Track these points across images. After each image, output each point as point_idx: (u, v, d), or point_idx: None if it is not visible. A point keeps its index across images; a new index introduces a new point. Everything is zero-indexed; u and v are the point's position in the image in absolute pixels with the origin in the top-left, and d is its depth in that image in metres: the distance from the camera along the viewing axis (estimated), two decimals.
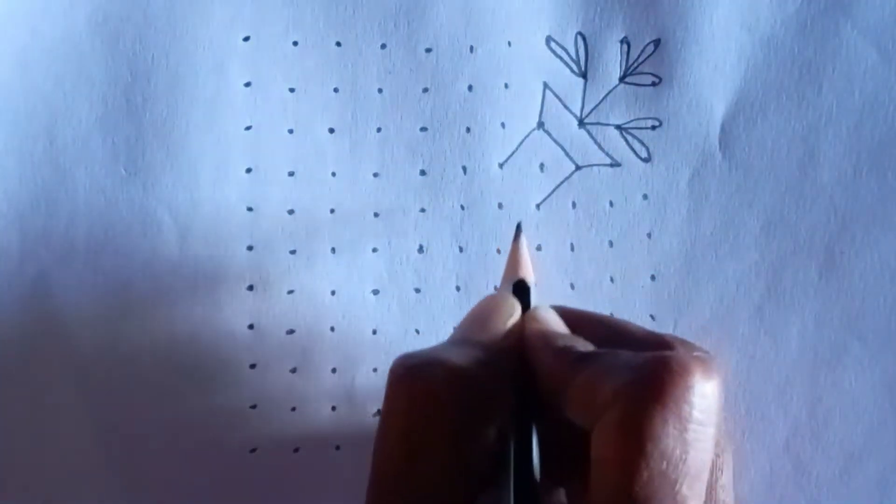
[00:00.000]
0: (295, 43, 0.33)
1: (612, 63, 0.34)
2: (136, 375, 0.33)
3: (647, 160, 0.34)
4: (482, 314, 0.29)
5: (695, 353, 0.26)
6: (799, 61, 0.33)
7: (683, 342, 0.28)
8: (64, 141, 0.33)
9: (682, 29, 0.33)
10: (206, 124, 0.33)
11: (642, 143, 0.34)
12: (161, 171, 0.33)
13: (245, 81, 0.33)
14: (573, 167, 0.34)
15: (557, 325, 0.30)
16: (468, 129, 0.34)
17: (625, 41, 0.34)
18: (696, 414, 0.24)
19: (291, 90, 0.33)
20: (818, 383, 0.34)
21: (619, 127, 0.34)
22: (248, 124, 0.33)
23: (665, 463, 0.23)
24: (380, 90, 0.34)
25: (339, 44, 0.33)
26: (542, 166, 0.34)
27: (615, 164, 0.34)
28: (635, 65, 0.34)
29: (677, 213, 0.34)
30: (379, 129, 0.34)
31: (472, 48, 0.33)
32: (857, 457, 0.34)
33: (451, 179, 0.34)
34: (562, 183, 0.34)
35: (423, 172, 0.34)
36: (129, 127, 0.33)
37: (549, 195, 0.34)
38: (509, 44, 0.33)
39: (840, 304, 0.34)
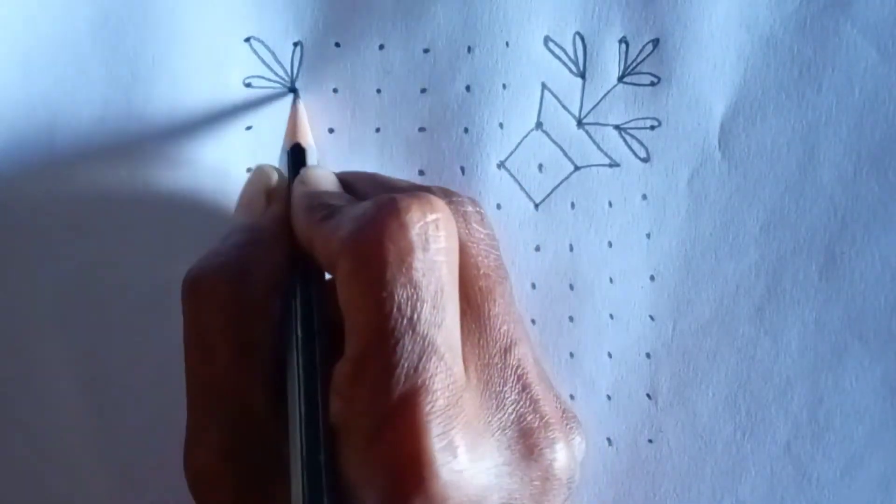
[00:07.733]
0: (295, 44, 0.34)
1: (610, 63, 0.34)
2: (139, 376, 0.34)
3: (646, 160, 0.34)
4: (241, 194, 0.30)
5: (418, 193, 0.26)
6: (798, 60, 0.33)
7: (443, 190, 0.28)
8: (64, 141, 0.33)
9: (680, 28, 0.33)
10: (207, 124, 0.33)
11: (641, 144, 0.34)
12: (162, 171, 0.33)
13: (245, 82, 0.34)
14: (572, 167, 0.34)
15: (328, 183, 0.30)
16: (466, 130, 0.34)
17: (623, 41, 0.34)
18: (417, 246, 0.25)
19: (292, 90, 0.34)
20: (819, 384, 0.34)
21: (617, 127, 0.34)
22: (249, 124, 0.34)
23: (396, 302, 0.24)
24: (378, 90, 0.34)
25: (338, 44, 0.34)
26: (540, 167, 0.34)
27: (614, 164, 0.34)
28: (634, 65, 0.34)
29: (676, 213, 0.34)
30: (377, 130, 0.34)
31: (469, 49, 0.33)
32: (858, 458, 0.34)
33: (449, 180, 0.34)
34: (560, 183, 0.34)
35: (421, 173, 0.34)
36: (130, 127, 0.33)
37: (548, 196, 0.34)
38: (507, 44, 0.33)
39: (840, 304, 0.34)
